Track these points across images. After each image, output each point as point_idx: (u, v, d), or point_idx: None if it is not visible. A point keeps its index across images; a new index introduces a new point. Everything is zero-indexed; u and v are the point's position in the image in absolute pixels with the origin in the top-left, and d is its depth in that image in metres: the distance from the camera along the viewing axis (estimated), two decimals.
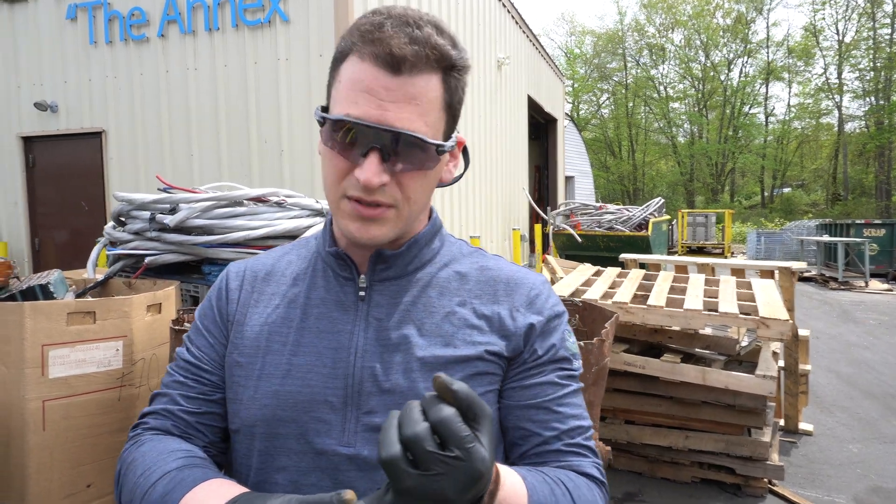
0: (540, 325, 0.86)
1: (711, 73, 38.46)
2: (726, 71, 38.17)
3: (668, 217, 11.14)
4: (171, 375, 0.89)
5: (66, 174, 6.68)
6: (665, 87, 40.81)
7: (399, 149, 0.73)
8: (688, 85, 40.16)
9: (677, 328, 3.31)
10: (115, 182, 6.45)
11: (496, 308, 0.85)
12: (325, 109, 0.79)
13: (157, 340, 2.54)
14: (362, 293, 0.85)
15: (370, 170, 0.72)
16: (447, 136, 0.80)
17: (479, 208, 9.18)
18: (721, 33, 37.84)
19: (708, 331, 3.45)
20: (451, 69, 0.76)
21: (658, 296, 3.33)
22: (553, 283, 5.87)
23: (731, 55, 38.09)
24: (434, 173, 0.80)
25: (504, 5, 10.73)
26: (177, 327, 2.40)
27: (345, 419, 0.80)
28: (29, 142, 6.77)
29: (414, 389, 0.80)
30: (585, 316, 2.97)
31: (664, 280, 3.78)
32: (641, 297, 3.46)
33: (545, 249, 9.94)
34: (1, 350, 2.15)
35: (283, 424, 0.81)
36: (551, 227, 10.06)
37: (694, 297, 3.30)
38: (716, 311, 3.08)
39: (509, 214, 11.04)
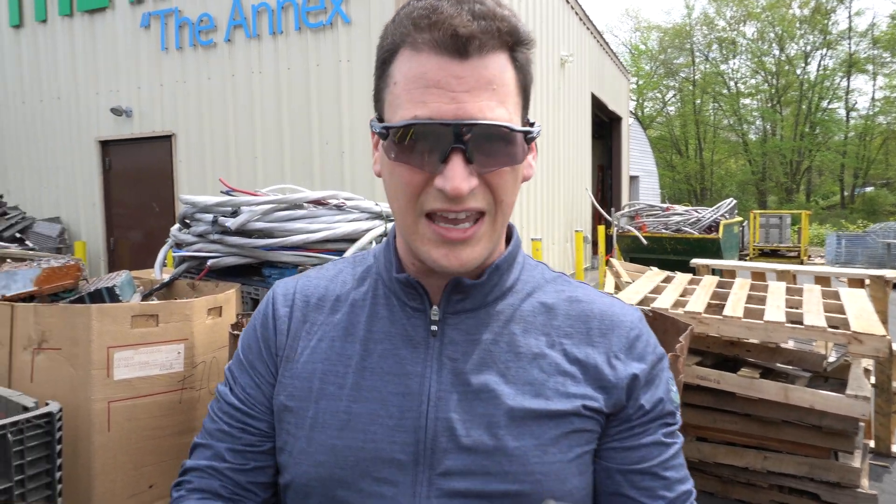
0: (644, 375, 0.73)
1: (786, 67, 36.58)
2: (803, 64, 36.23)
3: (739, 219, 10.61)
4: (213, 421, 0.79)
5: (139, 176, 6.96)
6: (736, 83, 39.14)
7: (484, 145, 0.62)
8: (760, 80, 38.37)
9: (756, 341, 3.08)
10: (183, 183, 6.65)
11: (590, 352, 0.73)
12: (381, 120, 0.68)
13: (218, 343, 2.55)
14: (434, 328, 0.72)
15: (457, 175, 0.61)
16: (524, 124, 0.69)
17: (540, 210, 9.00)
18: (798, 25, 35.94)
19: (790, 344, 3.20)
20: (519, 44, 0.65)
21: (735, 305, 3.11)
22: (618, 287, 5.65)
23: (809, 47, 36.13)
24: (521, 168, 0.69)
25: (567, 1, 10.50)
26: (236, 332, 2.40)
27: (415, 481, 0.68)
28: (106, 145, 7.09)
29: (502, 449, 0.67)
30: (656, 326, 2.79)
31: (741, 288, 3.54)
32: (716, 306, 3.25)
33: (609, 252, 9.65)
34: (69, 352, 2.19)
35: (341, 486, 0.69)
36: (615, 228, 9.76)
37: (775, 308, 3.06)
38: (800, 323, 2.85)
39: (572, 216, 10.79)
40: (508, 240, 0.80)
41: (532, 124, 0.69)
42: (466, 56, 0.61)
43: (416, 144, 0.62)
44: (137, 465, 2.26)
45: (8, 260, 3.01)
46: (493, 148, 0.63)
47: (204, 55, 6.48)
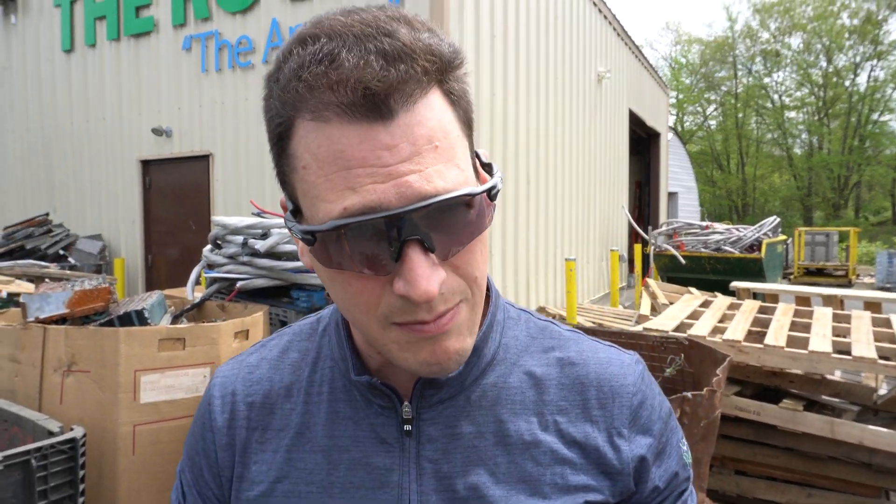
0: (653, 451, 0.63)
1: (834, 79, 35.56)
2: (852, 76, 35.17)
3: (783, 237, 10.28)
4: None
5: (177, 195, 7.13)
6: (780, 96, 38.21)
7: (443, 223, 0.48)
8: (806, 92, 37.38)
9: (800, 372, 2.93)
10: (220, 202, 6.78)
11: (589, 429, 0.62)
12: (296, 213, 0.53)
13: None
14: (408, 426, 0.61)
15: (420, 274, 0.47)
16: (473, 164, 0.54)
17: (574, 229, 8.88)
18: (847, 35, 34.95)
19: (837, 375, 3.04)
20: (449, 71, 0.50)
21: (777, 333, 2.98)
22: (654, 309, 5.50)
23: (858, 58, 35.06)
24: (487, 228, 0.55)
25: (605, 17, 10.42)
26: None
27: None
28: (147, 165, 7.30)
29: None
30: (692, 355, 2.69)
31: (784, 314, 3.39)
32: (757, 333, 3.11)
33: (645, 271, 9.44)
34: (98, 374, 2.22)
35: None
36: (652, 247, 9.56)
37: (821, 337, 2.91)
38: (848, 353, 2.70)
39: (607, 234, 10.63)
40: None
41: (487, 165, 0.56)
42: (391, 115, 0.46)
43: (356, 245, 0.48)
44: (161, 488, 2.27)
45: (46, 280, 3.08)
46: (455, 223, 0.49)
47: (242, 76, 6.63)
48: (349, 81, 0.45)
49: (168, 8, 6.98)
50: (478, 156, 0.56)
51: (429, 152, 0.47)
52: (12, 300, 3.29)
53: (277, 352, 0.69)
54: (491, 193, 0.51)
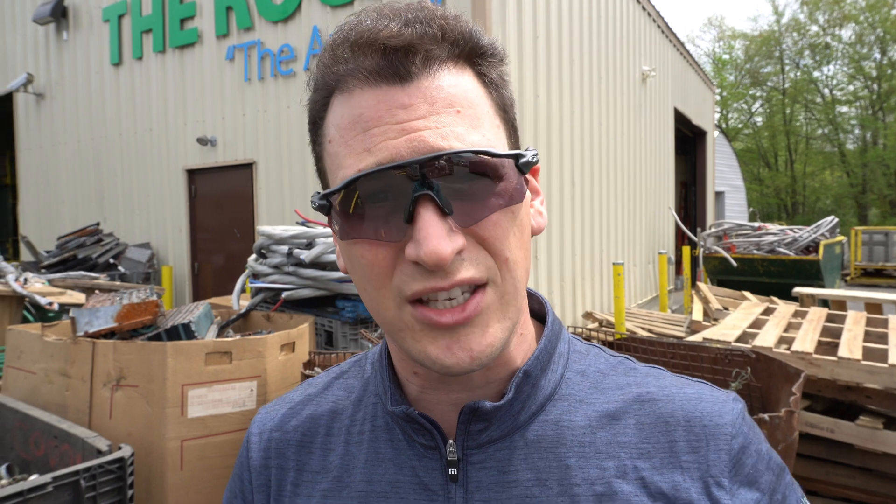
0: None
1: (889, 71, 34.08)
2: None
3: (840, 238, 9.82)
4: None
5: (221, 203, 7.22)
6: (831, 90, 36.81)
7: (463, 186, 0.44)
8: (859, 86, 35.92)
9: (877, 387, 2.72)
10: (263, 210, 6.83)
11: (678, 478, 0.50)
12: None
13: (290, 380, 2.50)
14: (453, 470, 0.52)
15: (431, 234, 0.43)
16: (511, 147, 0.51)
17: (621, 231, 8.66)
18: None
19: None
20: (483, 55, 0.48)
21: (850, 345, 2.78)
22: (707, 314, 5.26)
23: None
24: (524, 210, 0.49)
25: (649, 14, 10.17)
26: (307, 371, 2.34)
27: None
28: (192, 174, 7.41)
29: None
30: (759, 369, 2.52)
31: (855, 323, 3.17)
32: (827, 344, 2.92)
33: (695, 275, 9.13)
34: (146, 389, 2.19)
35: None
36: (702, 249, 9.24)
37: None
38: None
39: (654, 236, 10.35)
40: (542, 319, 0.59)
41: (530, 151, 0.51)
42: (409, 77, 0.45)
43: (368, 209, 0.45)
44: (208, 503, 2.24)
45: (96, 291, 3.10)
46: (477, 188, 0.45)
47: (284, 84, 6.66)
48: (368, 41, 0.45)
49: (211, 19, 7.08)
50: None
51: (448, 115, 0.45)
52: (65, 311, 3.33)
53: (321, 387, 0.64)
54: (519, 162, 0.47)
